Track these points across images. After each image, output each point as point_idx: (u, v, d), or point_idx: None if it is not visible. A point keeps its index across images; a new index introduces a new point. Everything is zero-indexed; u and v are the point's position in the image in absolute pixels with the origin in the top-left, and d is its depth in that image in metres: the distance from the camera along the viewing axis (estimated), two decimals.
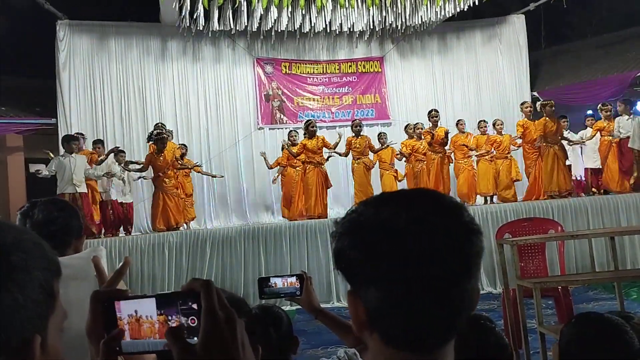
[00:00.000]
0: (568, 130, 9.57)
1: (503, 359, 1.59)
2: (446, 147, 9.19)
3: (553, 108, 8.60)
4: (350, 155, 8.94)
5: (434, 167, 8.98)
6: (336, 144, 8.72)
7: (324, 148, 8.64)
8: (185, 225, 8.50)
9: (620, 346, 1.52)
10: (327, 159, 8.80)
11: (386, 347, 0.73)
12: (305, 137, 8.63)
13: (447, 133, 8.91)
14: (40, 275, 0.69)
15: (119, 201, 8.74)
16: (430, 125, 9.10)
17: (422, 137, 9.16)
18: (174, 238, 7.24)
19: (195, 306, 0.67)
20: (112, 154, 8.60)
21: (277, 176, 9.64)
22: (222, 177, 10.13)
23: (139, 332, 0.70)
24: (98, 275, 0.97)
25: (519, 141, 9.13)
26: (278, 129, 11.07)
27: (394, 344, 0.73)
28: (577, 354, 1.56)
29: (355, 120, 9.14)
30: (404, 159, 9.62)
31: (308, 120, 8.95)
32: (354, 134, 8.83)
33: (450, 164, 9.36)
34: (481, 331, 1.57)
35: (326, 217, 8.39)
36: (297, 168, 9.03)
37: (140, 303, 0.71)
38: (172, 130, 9.43)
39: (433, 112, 9.14)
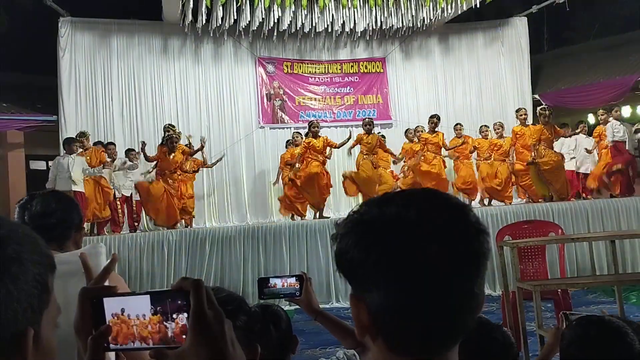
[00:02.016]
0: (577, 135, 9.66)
1: (509, 358, 1.58)
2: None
3: (547, 119, 8.66)
4: (355, 152, 9.13)
5: (434, 169, 9.09)
6: (342, 143, 8.93)
7: (327, 147, 8.80)
8: (184, 223, 8.53)
9: (621, 348, 1.51)
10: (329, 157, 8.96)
11: (390, 352, 0.71)
12: (308, 137, 8.75)
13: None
14: (34, 268, 0.68)
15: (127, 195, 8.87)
16: (428, 129, 9.29)
17: (419, 140, 9.38)
18: (174, 237, 7.24)
19: (185, 305, 0.67)
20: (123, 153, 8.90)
21: (277, 179, 9.70)
22: (223, 155, 9.99)
23: (126, 334, 0.70)
24: (86, 273, 0.96)
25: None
26: (279, 128, 11.08)
27: (399, 348, 0.71)
28: (578, 356, 1.55)
29: (366, 118, 9.28)
30: (402, 161, 9.83)
31: (311, 121, 9.06)
32: (365, 132, 8.92)
33: (445, 168, 9.48)
34: (487, 329, 1.56)
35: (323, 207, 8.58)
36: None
37: (131, 301, 0.70)
38: (180, 132, 9.36)
39: (436, 117, 9.32)
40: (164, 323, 0.68)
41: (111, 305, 0.71)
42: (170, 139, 8.22)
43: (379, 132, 10.11)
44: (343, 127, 11.11)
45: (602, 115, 9.29)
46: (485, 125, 9.69)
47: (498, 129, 9.47)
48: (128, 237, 7.34)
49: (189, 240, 7.22)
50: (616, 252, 4.52)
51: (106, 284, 1.34)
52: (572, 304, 4.72)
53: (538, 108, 9.24)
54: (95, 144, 8.85)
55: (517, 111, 9.29)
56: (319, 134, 8.81)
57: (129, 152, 9.18)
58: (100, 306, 0.71)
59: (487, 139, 9.52)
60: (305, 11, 9.87)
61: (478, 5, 9.87)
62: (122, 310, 0.70)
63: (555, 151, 8.80)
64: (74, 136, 8.50)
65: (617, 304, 4.00)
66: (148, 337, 0.68)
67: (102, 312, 0.71)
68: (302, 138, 9.12)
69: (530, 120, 9.45)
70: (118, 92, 10.40)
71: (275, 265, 7.20)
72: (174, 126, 9.07)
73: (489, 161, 9.36)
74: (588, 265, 6.34)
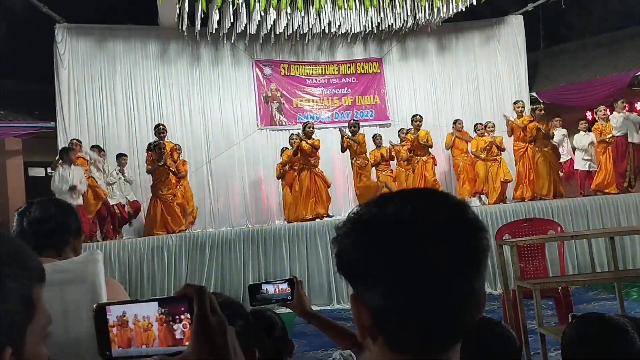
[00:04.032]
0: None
1: (511, 352, 1.57)
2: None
3: (542, 112, 8.70)
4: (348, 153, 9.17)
5: (418, 169, 9.22)
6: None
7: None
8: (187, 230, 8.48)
9: (621, 346, 1.51)
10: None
11: (391, 352, 0.71)
12: (302, 139, 8.77)
13: (427, 136, 9.28)
14: (16, 285, 0.68)
15: (122, 203, 8.82)
16: (412, 129, 9.31)
17: (403, 143, 9.53)
18: (174, 241, 7.24)
19: (189, 311, 0.67)
20: (115, 160, 8.85)
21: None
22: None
23: (129, 337, 0.69)
24: None
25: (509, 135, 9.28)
26: (278, 130, 11.08)
27: (400, 347, 0.70)
28: (579, 354, 1.55)
29: (351, 120, 9.36)
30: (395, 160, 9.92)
31: (306, 122, 9.07)
32: (351, 134, 8.97)
33: (435, 165, 9.50)
34: (486, 326, 1.55)
35: (327, 213, 8.62)
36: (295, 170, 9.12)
37: (137, 307, 0.70)
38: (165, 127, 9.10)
39: (418, 116, 9.40)
40: (172, 328, 0.68)
41: (116, 312, 0.70)
42: (157, 145, 7.99)
43: (378, 134, 10.13)
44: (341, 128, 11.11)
45: (602, 111, 9.26)
46: (480, 123, 9.71)
47: (490, 127, 9.48)
48: (128, 242, 7.32)
49: (189, 244, 7.21)
50: (615, 249, 4.52)
51: (104, 291, 1.34)
52: (572, 302, 4.72)
53: (530, 107, 9.29)
54: (92, 147, 8.83)
55: (514, 103, 9.33)
56: (313, 136, 8.82)
57: (120, 156, 9.16)
58: (103, 315, 0.70)
59: (483, 136, 9.53)
60: (302, 13, 9.87)
61: (474, 3, 9.89)
62: (124, 313, 0.69)
63: (551, 148, 8.76)
64: (68, 145, 8.38)
65: (618, 300, 4.00)
66: (154, 340, 0.68)
67: (105, 321, 0.70)
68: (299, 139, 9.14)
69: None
70: (116, 98, 10.40)
71: (275, 268, 7.20)
72: (165, 127, 8.74)
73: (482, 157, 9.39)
74: (588, 262, 6.34)
